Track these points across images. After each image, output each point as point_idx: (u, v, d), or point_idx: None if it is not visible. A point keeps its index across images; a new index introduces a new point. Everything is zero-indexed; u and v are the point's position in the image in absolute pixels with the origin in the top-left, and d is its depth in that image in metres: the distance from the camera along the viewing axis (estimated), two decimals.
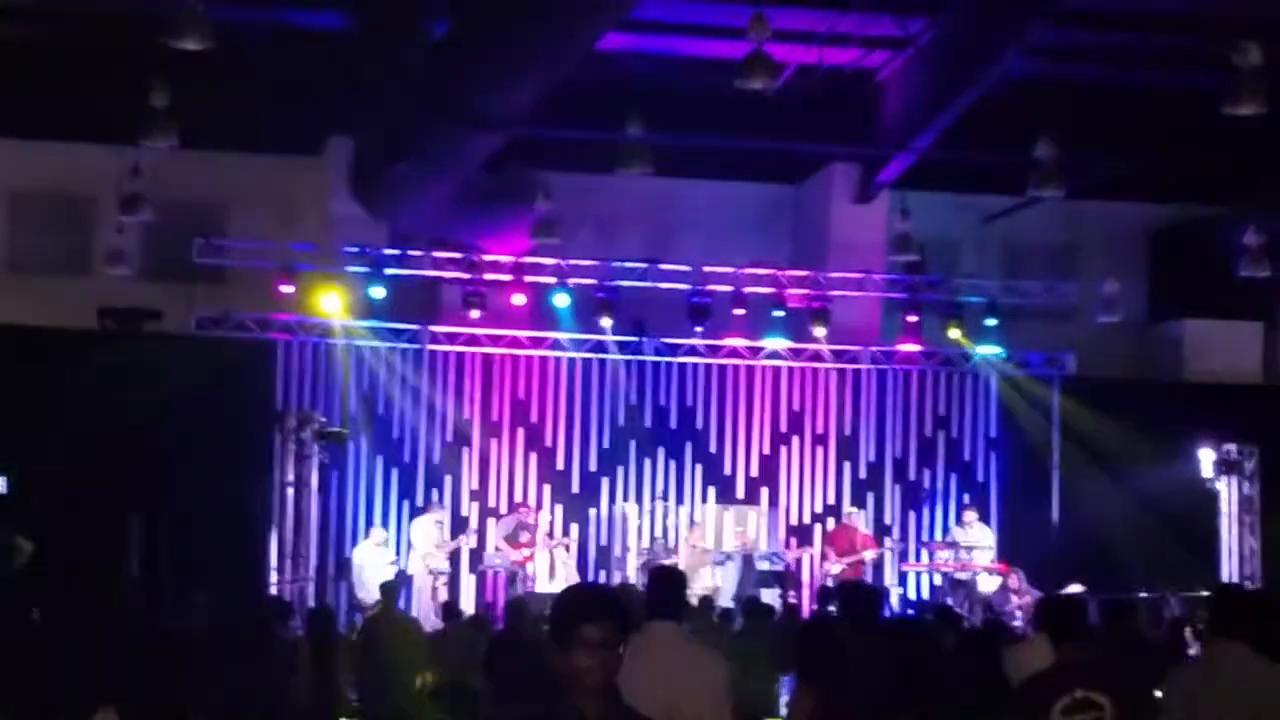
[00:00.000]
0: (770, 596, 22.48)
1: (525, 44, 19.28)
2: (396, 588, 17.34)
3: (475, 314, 24.92)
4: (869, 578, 25.03)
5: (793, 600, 22.83)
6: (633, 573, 24.49)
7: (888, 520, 26.19)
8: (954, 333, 26.14)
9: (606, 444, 25.80)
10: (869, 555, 24.90)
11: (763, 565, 24.04)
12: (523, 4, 18.88)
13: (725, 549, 24.84)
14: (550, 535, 24.60)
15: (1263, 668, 8.40)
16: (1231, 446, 25.63)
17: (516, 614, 15.51)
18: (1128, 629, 11.09)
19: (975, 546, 24.88)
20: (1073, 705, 8.25)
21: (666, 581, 8.75)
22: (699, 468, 26.02)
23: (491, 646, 14.86)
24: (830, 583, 23.95)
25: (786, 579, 24.30)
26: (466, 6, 20.99)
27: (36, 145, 25.62)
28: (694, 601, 20.56)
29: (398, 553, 24.38)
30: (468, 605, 23.91)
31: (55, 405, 21.75)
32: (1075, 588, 22.43)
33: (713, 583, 23.93)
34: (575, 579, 24.16)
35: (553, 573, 24.01)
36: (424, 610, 23.15)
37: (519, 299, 25.27)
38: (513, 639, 15.00)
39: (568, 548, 24.96)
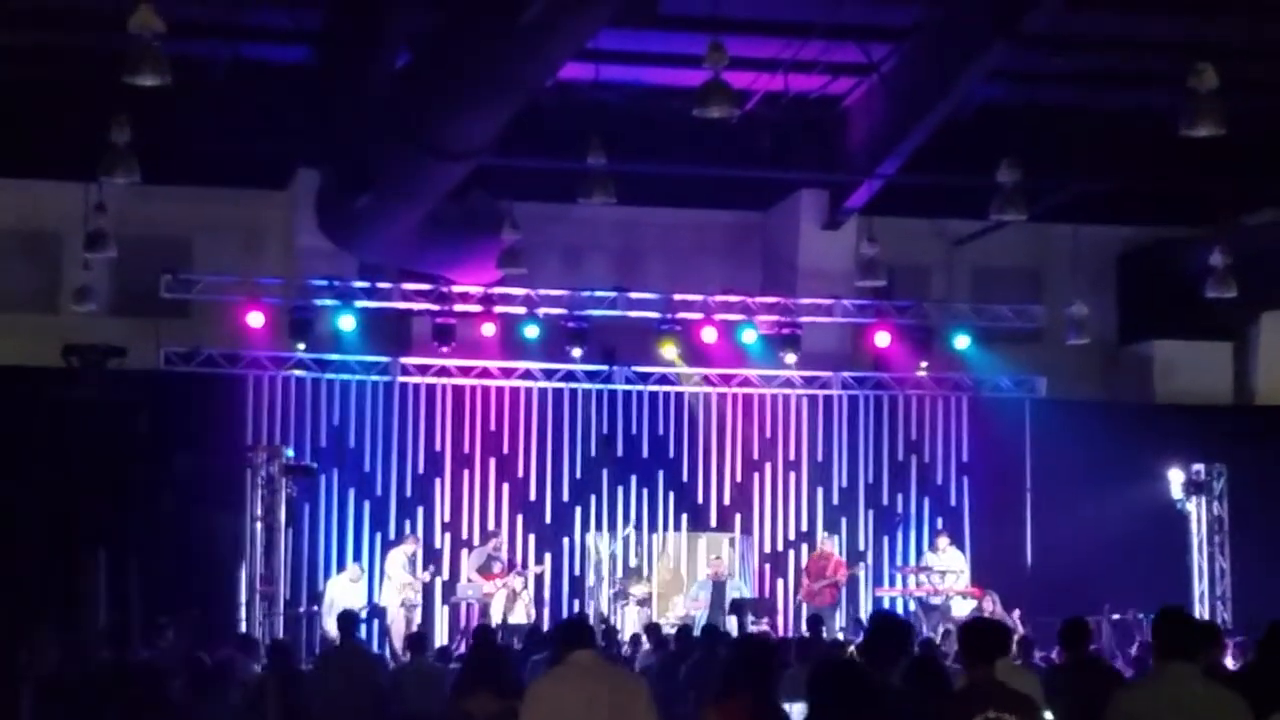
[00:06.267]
0: (736, 625, 22.42)
1: (485, 74, 19.30)
2: (357, 619, 17.23)
3: (445, 349, 24.91)
4: (843, 602, 25.04)
5: (765, 627, 22.77)
6: (605, 602, 24.46)
7: (861, 545, 26.18)
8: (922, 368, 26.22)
9: (579, 474, 25.77)
10: (840, 577, 24.83)
11: (734, 595, 23.98)
12: (482, 35, 18.91)
13: (698, 577, 24.78)
14: (511, 564, 24.45)
15: (1210, 689, 8.44)
16: (1200, 467, 25.69)
17: (484, 639, 15.46)
18: (1084, 650, 11.11)
19: (948, 570, 24.90)
20: None
21: (576, 626, 9.95)
22: (672, 496, 26.01)
23: (462, 672, 14.79)
24: (806, 610, 23.93)
25: (760, 606, 24.28)
26: (427, 38, 21.03)
27: (1, 183, 25.50)
28: (669, 631, 20.53)
29: (371, 585, 24.30)
30: (443, 637, 23.87)
31: (20, 443, 21.62)
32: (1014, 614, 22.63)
33: (685, 611, 23.87)
34: (533, 611, 24.12)
35: (510, 604, 23.83)
36: (399, 643, 23.08)
37: (489, 329, 25.26)
38: (480, 665, 14.91)
39: (535, 577, 24.84)
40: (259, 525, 23.28)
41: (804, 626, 21.51)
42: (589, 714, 8.83)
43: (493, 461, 25.59)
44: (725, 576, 24.48)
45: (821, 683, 8.23)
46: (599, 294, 25.56)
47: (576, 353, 25.26)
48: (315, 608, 23.58)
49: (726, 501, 26.16)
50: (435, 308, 25.10)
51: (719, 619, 22.61)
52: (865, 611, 25.27)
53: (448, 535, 25.29)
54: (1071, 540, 25.17)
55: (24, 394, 22.01)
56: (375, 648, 22.33)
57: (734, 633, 20.82)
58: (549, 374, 25.68)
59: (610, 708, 8.89)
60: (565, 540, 25.63)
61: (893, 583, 25.87)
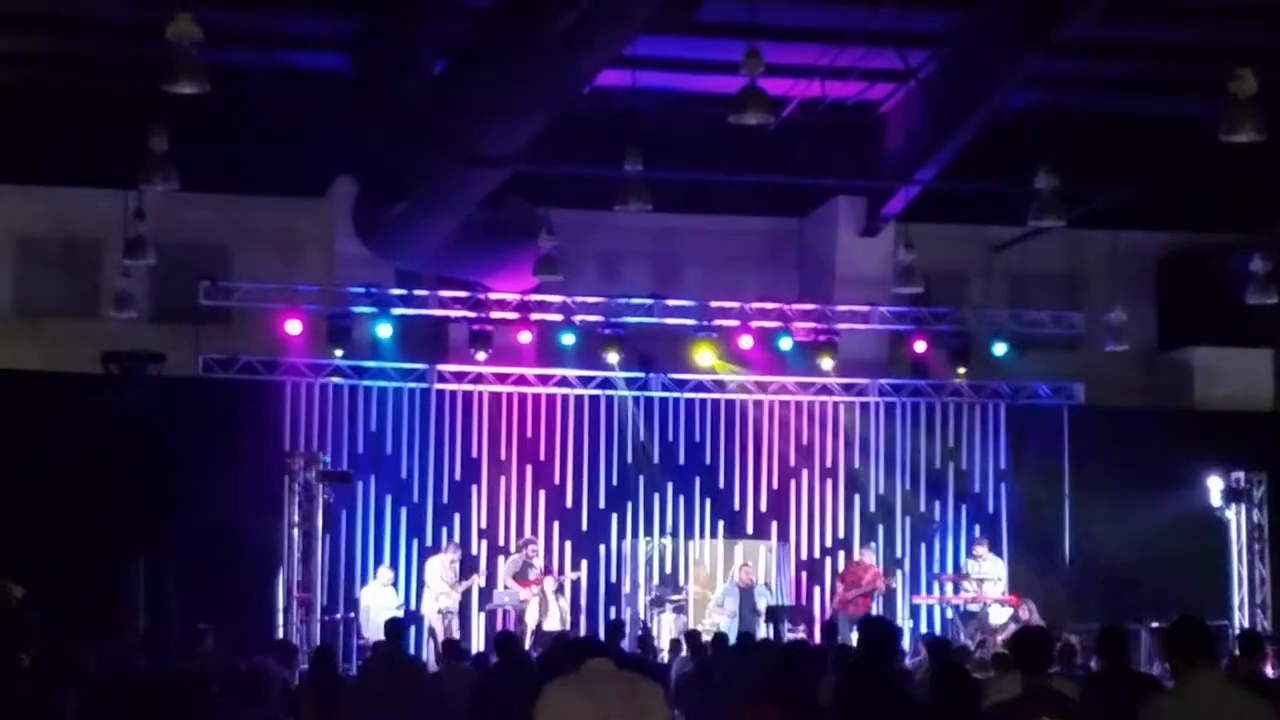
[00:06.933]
0: (768, 631, 22.37)
1: (521, 81, 19.33)
2: (402, 627, 17.27)
3: (481, 355, 24.96)
4: (878, 610, 24.92)
5: (800, 634, 22.71)
6: (642, 609, 24.44)
7: (898, 553, 26.10)
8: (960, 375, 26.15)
9: (615, 480, 25.79)
10: (879, 586, 24.72)
11: (761, 601, 23.88)
12: (517, 41, 18.93)
13: (730, 584, 24.75)
14: (547, 571, 24.43)
15: (1238, 693, 8.50)
16: (1240, 474, 25.56)
17: (507, 648, 15.45)
18: (1121, 658, 11.05)
19: (986, 578, 24.83)
20: None
21: (588, 640, 10.69)
22: (708, 503, 25.97)
23: (482, 682, 14.80)
24: (839, 617, 23.85)
25: (796, 613, 24.22)
26: (463, 45, 21.07)
27: (43, 190, 25.67)
28: (706, 638, 20.47)
29: (408, 591, 24.38)
30: (479, 644, 23.86)
31: (59, 448, 21.76)
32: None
33: (717, 619, 23.82)
34: (568, 619, 24.10)
35: (545, 610, 23.78)
36: (436, 650, 23.10)
37: (525, 337, 25.31)
38: (506, 674, 14.90)
39: (571, 583, 24.82)
40: (296, 532, 23.33)
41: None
42: (604, 717, 8.94)
43: (529, 468, 25.61)
44: (753, 583, 24.38)
45: (848, 691, 8.24)
46: (635, 301, 25.57)
47: (613, 359, 25.26)
48: (352, 614, 23.63)
49: (763, 508, 26.13)
50: (472, 315, 25.16)
51: (750, 625, 22.56)
52: (902, 620, 25.21)
53: (484, 542, 25.34)
54: (1110, 548, 25.11)
55: (64, 400, 22.38)
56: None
57: (769, 639, 20.74)
58: (585, 381, 25.69)
59: (625, 711, 9.00)
60: (602, 547, 25.65)
61: (930, 590, 25.82)
